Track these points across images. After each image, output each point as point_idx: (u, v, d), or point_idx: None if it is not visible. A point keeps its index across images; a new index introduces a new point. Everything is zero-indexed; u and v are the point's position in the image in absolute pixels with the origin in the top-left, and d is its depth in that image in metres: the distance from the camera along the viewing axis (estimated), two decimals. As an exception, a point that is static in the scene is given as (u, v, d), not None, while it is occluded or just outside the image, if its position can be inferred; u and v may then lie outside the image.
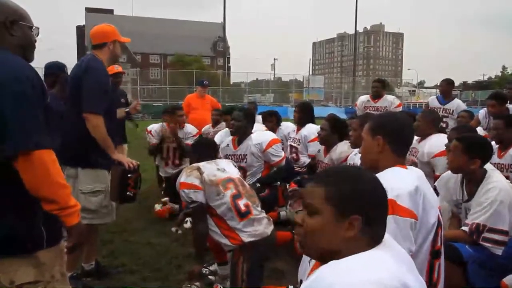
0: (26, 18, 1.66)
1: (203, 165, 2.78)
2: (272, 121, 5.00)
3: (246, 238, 2.63)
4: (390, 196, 1.48)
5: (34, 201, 1.52)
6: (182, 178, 2.72)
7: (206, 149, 3.00)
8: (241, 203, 2.68)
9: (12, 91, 1.45)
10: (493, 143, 3.69)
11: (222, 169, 2.81)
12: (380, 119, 1.93)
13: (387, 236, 1.15)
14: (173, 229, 4.19)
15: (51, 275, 1.59)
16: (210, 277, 3.05)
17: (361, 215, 1.07)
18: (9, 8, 1.61)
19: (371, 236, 1.09)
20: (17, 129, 1.43)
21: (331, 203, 1.09)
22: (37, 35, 1.72)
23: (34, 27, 1.69)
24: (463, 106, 5.97)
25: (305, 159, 4.62)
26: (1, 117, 1.43)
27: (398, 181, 1.65)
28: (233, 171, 2.89)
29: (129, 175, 2.79)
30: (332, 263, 1.04)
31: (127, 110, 3.69)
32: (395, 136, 1.81)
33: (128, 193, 2.80)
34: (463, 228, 2.55)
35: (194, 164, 2.81)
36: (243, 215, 2.66)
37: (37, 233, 1.55)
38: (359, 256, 1.04)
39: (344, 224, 1.07)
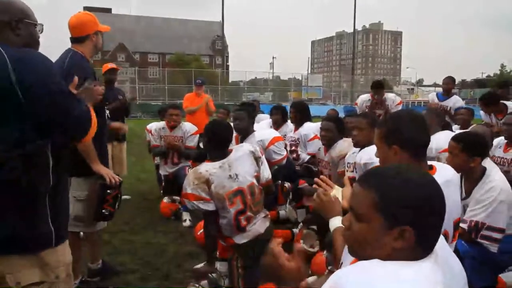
0: (30, 16, 1.64)
1: (214, 172, 2.63)
2: (278, 114, 5.07)
3: (239, 240, 2.69)
4: None
5: (40, 200, 1.53)
6: (189, 189, 2.61)
7: (218, 146, 2.77)
8: (243, 218, 2.68)
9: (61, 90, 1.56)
10: (499, 138, 3.72)
11: (234, 175, 2.67)
12: (393, 125, 1.74)
13: (440, 245, 1.05)
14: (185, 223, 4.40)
15: (56, 275, 1.58)
16: (213, 274, 3.06)
17: (414, 226, 0.95)
18: (14, 8, 1.60)
19: (422, 247, 0.98)
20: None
21: (380, 211, 0.97)
22: (41, 32, 1.70)
23: (38, 24, 1.68)
24: (460, 102, 6.03)
25: (304, 157, 4.65)
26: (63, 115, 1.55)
27: None
28: (246, 176, 2.73)
29: (108, 191, 2.55)
30: (370, 265, 0.96)
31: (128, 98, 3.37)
32: (411, 140, 1.69)
33: (104, 210, 2.59)
34: (461, 225, 2.57)
35: (203, 172, 2.63)
36: (241, 229, 2.69)
37: (46, 231, 1.55)
38: (388, 267, 0.94)
39: (393, 234, 0.96)
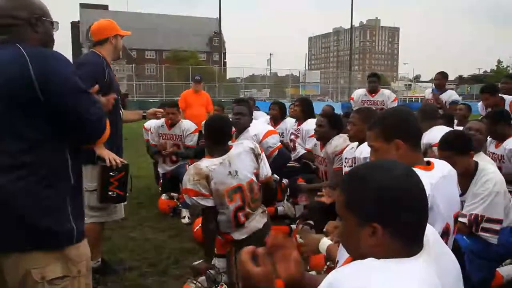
0: (47, 14, 1.66)
1: (214, 168, 2.61)
2: (276, 109, 5.11)
3: (238, 236, 2.70)
4: None
5: (65, 196, 1.56)
6: (189, 185, 2.60)
7: (218, 141, 2.75)
8: (242, 215, 2.68)
9: (76, 88, 1.55)
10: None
11: (234, 172, 2.66)
12: (389, 120, 1.75)
13: (434, 240, 1.06)
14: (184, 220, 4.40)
15: (77, 270, 1.61)
16: (211, 271, 3.07)
17: (382, 223, 0.98)
18: (34, 5, 1.62)
19: (401, 242, 0.98)
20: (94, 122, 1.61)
21: (350, 210, 1.03)
22: (56, 30, 1.73)
23: (53, 22, 1.70)
24: (455, 96, 6.08)
25: (300, 150, 4.69)
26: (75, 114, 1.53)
27: None
28: (246, 173, 2.72)
29: (110, 173, 2.58)
30: (353, 267, 0.97)
31: (144, 114, 3.50)
32: (410, 131, 1.71)
33: (110, 193, 2.59)
34: (460, 219, 2.58)
35: (204, 168, 2.61)
36: (240, 225, 2.70)
37: (69, 228, 1.57)
38: (381, 264, 0.95)
39: (366, 231, 0.99)
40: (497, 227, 2.53)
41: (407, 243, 0.99)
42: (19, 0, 1.60)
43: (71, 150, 1.59)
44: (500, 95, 5.05)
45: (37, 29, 1.60)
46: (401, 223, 0.98)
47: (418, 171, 1.58)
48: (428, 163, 1.72)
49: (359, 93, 6.29)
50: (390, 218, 0.98)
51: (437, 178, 1.63)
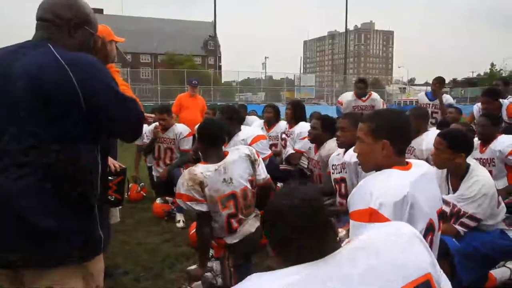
0: (91, 24, 1.63)
1: (208, 175, 2.59)
2: (270, 112, 5.11)
3: (230, 241, 2.70)
4: (372, 203, 1.51)
5: (91, 206, 1.51)
6: (183, 190, 2.58)
7: (212, 145, 2.73)
8: (235, 221, 2.68)
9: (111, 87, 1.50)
10: (475, 139, 3.78)
11: (228, 179, 2.64)
12: (384, 120, 1.78)
13: (357, 248, 1.11)
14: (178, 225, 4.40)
15: (96, 284, 1.58)
16: (207, 274, 3.07)
17: (271, 239, 1.16)
18: (79, 11, 1.58)
19: (281, 257, 1.15)
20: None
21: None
22: (98, 45, 1.76)
23: (95, 35, 1.67)
24: (450, 100, 6.11)
25: (289, 149, 4.72)
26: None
27: (387, 188, 1.58)
28: (240, 180, 2.69)
29: (109, 177, 2.51)
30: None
31: None
32: (400, 137, 1.75)
33: (108, 197, 2.54)
34: (444, 206, 2.61)
35: (198, 174, 2.59)
36: (232, 231, 2.70)
37: (97, 238, 1.54)
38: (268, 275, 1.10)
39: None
40: (473, 224, 2.59)
41: (286, 258, 1.13)
42: (68, 0, 1.57)
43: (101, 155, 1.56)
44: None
45: (74, 34, 1.56)
46: (287, 242, 1.11)
47: (396, 171, 1.66)
48: (406, 163, 1.77)
49: (348, 98, 6.12)
50: (275, 235, 1.14)
51: (416, 176, 1.67)
